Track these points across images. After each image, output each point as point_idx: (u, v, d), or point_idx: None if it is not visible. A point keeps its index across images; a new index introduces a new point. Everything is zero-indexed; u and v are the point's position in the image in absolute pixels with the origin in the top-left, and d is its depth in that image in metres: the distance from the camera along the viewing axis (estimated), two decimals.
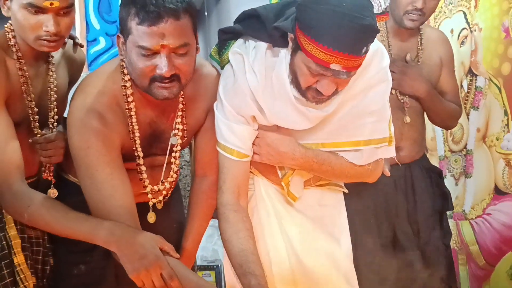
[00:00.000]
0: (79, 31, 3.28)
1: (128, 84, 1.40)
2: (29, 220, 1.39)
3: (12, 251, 1.47)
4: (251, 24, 1.42)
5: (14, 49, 1.47)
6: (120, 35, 1.34)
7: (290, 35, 1.31)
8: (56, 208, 1.37)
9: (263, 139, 1.44)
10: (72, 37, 1.68)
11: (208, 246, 3.21)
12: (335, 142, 1.45)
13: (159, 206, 1.52)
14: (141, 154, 1.44)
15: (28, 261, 1.50)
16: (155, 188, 1.51)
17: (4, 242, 1.48)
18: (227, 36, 1.49)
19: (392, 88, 1.52)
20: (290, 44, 1.32)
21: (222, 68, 1.52)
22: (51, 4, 1.38)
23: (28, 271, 1.48)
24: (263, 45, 1.39)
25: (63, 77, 1.64)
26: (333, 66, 1.22)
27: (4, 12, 1.46)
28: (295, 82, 1.33)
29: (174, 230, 1.62)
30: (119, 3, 1.35)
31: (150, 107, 1.43)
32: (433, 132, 2.64)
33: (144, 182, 1.47)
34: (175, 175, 1.54)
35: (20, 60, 1.47)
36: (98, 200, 1.35)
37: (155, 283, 1.29)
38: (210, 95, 1.50)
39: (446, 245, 2.07)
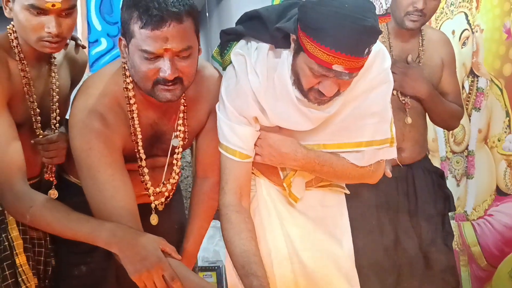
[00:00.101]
0: (80, 32, 3.29)
1: (130, 86, 1.40)
2: (31, 221, 1.39)
3: (14, 252, 1.47)
4: (253, 25, 1.42)
5: (16, 50, 1.47)
6: (122, 37, 1.34)
7: (292, 36, 1.31)
8: (58, 209, 1.37)
9: (265, 140, 1.44)
10: (74, 38, 1.68)
11: (210, 247, 3.21)
12: (337, 143, 1.45)
13: (160, 207, 1.53)
14: (143, 156, 1.45)
15: (30, 262, 1.50)
16: (157, 190, 1.51)
17: (6, 243, 1.48)
18: (229, 37, 1.49)
19: (393, 89, 1.52)
20: (292, 45, 1.32)
21: (224, 69, 1.52)
22: (53, 5, 1.38)
23: (30, 272, 1.48)
24: (265, 46, 1.40)
25: (65, 78, 1.64)
26: (336, 67, 1.23)
27: (6, 14, 1.46)
28: (297, 83, 1.33)
29: (175, 231, 1.63)
30: (121, 5, 1.35)
31: (151, 109, 1.43)
32: (434, 133, 2.64)
33: (146, 184, 1.48)
34: (176, 177, 1.55)
35: (22, 61, 1.48)
36: (99, 201, 1.36)
37: (157, 284, 1.29)
38: (212, 97, 1.50)
39: (448, 246, 2.07)
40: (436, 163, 2.54)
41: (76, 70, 1.70)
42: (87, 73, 1.82)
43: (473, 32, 2.39)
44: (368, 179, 1.53)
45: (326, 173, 1.48)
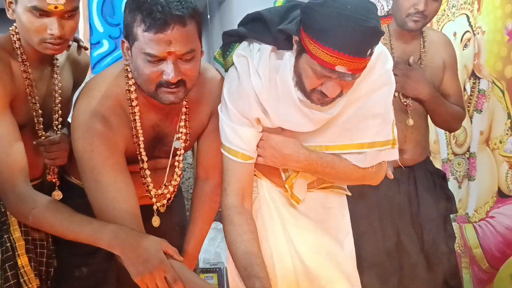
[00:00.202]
0: (82, 34, 3.29)
1: (133, 88, 1.40)
2: (33, 222, 1.39)
3: (16, 253, 1.48)
4: (256, 27, 1.42)
5: (18, 52, 1.47)
6: (124, 40, 1.34)
7: (295, 38, 1.31)
8: (61, 210, 1.38)
9: (267, 141, 1.44)
10: (77, 40, 1.69)
11: (211, 249, 3.21)
12: (339, 144, 1.45)
13: (162, 209, 1.53)
14: (145, 158, 1.45)
15: (32, 263, 1.50)
16: (159, 192, 1.51)
17: (8, 244, 1.48)
18: (231, 39, 1.49)
19: (395, 91, 1.52)
20: (295, 46, 1.32)
21: (226, 70, 1.52)
22: (56, 7, 1.38)
23: (32, 273, 1.48)
24: (267, 47, 1.40)
25: (68, 79, 1.64)
26: (339, 68, 1.23)
27: (9, 15, 1.47)
28: (299, 84, 1.33)
29: (176, 233, 1.63)
30: (123, 7, 1.35)
31: (154, 111, 1.44)
32: (436, 135, 2.64)
33: (147, 186, 1.48)
34: (178, 179, 1.55)
35: (25, 63, 1.48)
36: (102, 203, 1.36)
37: (159, 286, 1.29)
38: (214, 99, 1.50)
39: (450, 248, 2.07)
40: (437, 165, 2.54)
41: (78, 72, 1.70)
42: (89, 75, 1.82)
43: (474, 34, 2.40)
44: (370, 180, 1.53)
45: (328, 175, 1.48)
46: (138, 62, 1.30)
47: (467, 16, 2.45)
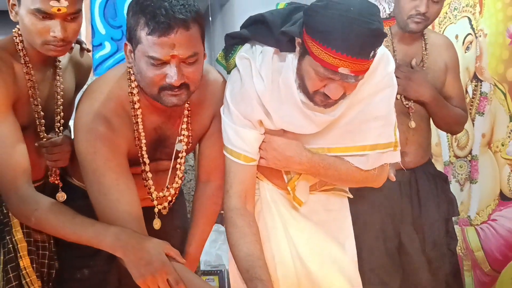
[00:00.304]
0: (84, 36, 3.29)
1: (135, 91, 1.40)
2: (36, 223, 1.39)
3: (18, 255, 1.47)
4: (258, 29, 1.42)
5: (21, 54, 1.47)
6: (127, 43, 1.34)
7: (298, 40, 1.31)
8: (63, 212, 1.38)
9: (270, 144, 1.44)
10: (79, 42, 1.69)
11: (212, 251, 3.21)
12: (341, 146, 1.45)
13: (164, 212, 1.53)
14: (147, 161, 1.45)
15: (34, 265, 1.50)
16: (160, 194, 1.51)
17: (11, 246, 1.48)
18: (234, 41, 1.50)
19: (397, 93, 1.52)
20: (298, 48, 1.32)
21: (228, 73, 1.52)
22: (59, 10, 1.38)
23: (33, 275, 1.48)
24: (270, 49, 1.40)
25: (70, 81, 1.64)
26: (342, 70, 1.23)
27: (12, 17, 1.47)
28: (302, 86, 1.33)
29: (178, 235, 1.63)
30: (127, 11, 1.34)
31: (156, 113, 1.44)
32: (437, 138, 2.64)
33: (149, 188, 1.48)
34: (180, 181, 1.55)
35: (28, 65, 1.48)
36: (104, 205, 1.36)
37: None
38: (216, 101, 1.50)
39: (452, 250, 2.07)
40: (439, 167, 2.53)
41: (80, 74, 1.70)
42: (90, 77, 1.82)
43: (476, 37, 2.40)
44: (372, 182, 1.52)
45: (330, 177, 1.48)
46: (141, 65, 1.30)
47: (469, 18, 2.45)
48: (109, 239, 1.31)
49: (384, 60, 1.41)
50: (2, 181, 1.39)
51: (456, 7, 2.53)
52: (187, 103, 1.47)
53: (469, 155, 2.47)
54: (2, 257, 1.48)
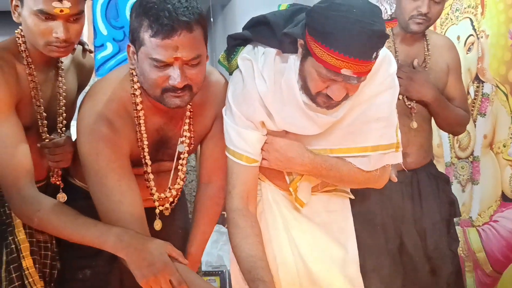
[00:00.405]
0: (86, 37, 3.30)
1: (138, 92, 1.40)
2: (38, 224, 1.40)
3: (21, 255, 1.48)
4: (261, 30, 1.42)
5: (24, 55, 1.48)
6: (130, 44, 1.34)
7: (300, 41, 1.31)
8: (65, 213, 1.38)
9: (272, 145, 1.44)
10: (81, 43, 1.69)
11: (213, 251, 3.21)
12: (343, 147, 1.45)
13: (166, 213, 1.53)
14: (149, 162, 1.45)
15: (37, 265, 1.50)
16: (162, 195, 1.51)
17: (13, 246, 1.48)
18: (236, 42, 1.50)
19: (399, 94, 1.52)
20: (300, 50, 1.32)
21: (230, 74, 1.53)
22: (61, 11, 1.38)
23: (36, 275, 1.49)
24: (272, 51, 1.40)
25: (72, 82, 1.65)
26: (344, 71, 1.23)
27: (14, 18, 1.47)
28: (304, 87, 1.34)
29: (179, 236, 1.63)
30: (130, 13, 1.35)
31: (158, 115, 1.44)
32: (439, 139, 2.63)
33: (151, 189, 1.48)
34: (181, 182, 1.55)
35: (30, 65, 1.48)
36: (107, 206, 1.36)
37: None
38: (218, 102, 1.50)
39: (453, 252, 2.07)
40: (441, 168, 2.53)
41: (83, 75, 1.71)
42: (92, 78, 1.83)
43: (478, 38, 2.40)
44: (374, 183, 1.53)
45: (332, 178, 1.48)
46: (144, 66, 1.30)
47: (470, 20, 2.45)
48: (111, 239, 1.31)
49: (386, 62, 1.42)
50: (5, 181, 1.39)
51: (457, 8, 2.53)
52: (189, 104, 1.47)
53: (471, 156, 2.47)
54: (4, 258, 1.49)
